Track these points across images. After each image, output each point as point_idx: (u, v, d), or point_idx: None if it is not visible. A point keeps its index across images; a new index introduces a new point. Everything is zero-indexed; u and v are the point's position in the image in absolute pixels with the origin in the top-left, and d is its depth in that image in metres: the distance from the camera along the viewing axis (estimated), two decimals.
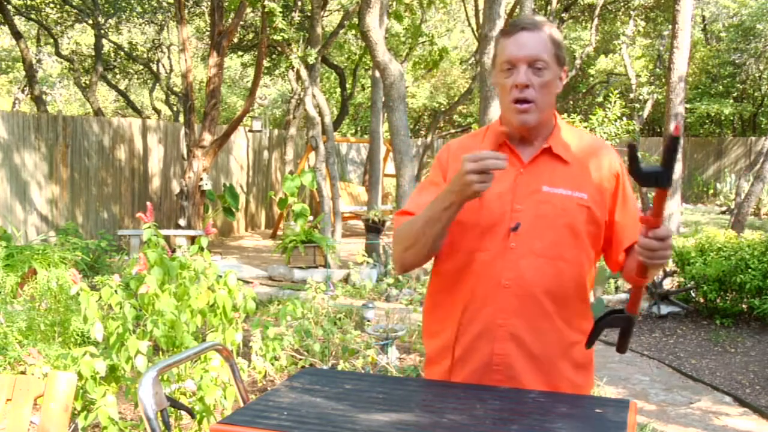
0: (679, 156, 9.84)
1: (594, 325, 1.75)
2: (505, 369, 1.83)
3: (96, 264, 7.97)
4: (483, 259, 1.83)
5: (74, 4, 15.70)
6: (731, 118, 22.56)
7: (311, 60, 10.81)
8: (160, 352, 3.84)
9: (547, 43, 1.83)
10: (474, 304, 1.85)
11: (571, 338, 1.86)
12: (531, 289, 1.81)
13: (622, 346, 1.79)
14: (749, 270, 6.53)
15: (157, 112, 21.91)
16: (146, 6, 16.10)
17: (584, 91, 21.01)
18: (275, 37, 10.32)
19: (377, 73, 10.41)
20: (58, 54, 17.15)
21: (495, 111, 7.13)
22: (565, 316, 1.85)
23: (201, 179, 10.61)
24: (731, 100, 20.66)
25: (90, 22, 15.59)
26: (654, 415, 4.55)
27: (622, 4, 17.40)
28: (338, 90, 19.67)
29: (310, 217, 11.00)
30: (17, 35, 13.62)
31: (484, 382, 1.84)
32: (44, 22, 16.06)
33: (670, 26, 12.28)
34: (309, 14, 13.05)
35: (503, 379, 1.83)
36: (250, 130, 14.64)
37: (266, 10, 9.78)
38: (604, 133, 10.06)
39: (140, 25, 17.82)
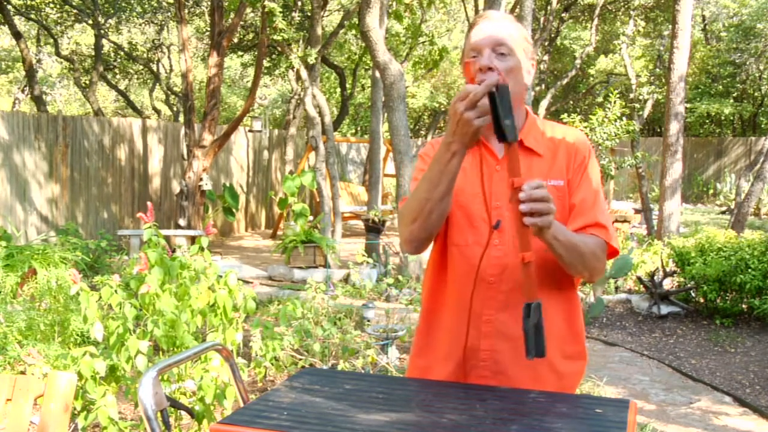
0: (679, 156, 9.82)
1: (524, 333, 1.61)
2: (492, 364, 1.85)
3: (96, 264, 7.98)
4: (468, 256, 1.85)
5: (74, 4, 15.69)
6: (731, 118, 22.57)
7: (311, 60, 10.80)
8: (161, 352, 3.84)
9: (511, 32, 1.85)
10: (461, 302, 1.87)
11: (560, 328, 1.87)
12: (516, 284, 1.81)
13: (535, 348, 1.60)
14: (749, 270, 6.53)
15: (157, 112, 21.90)
16: (146, 6, 16.10)
17: (584, 91, 20.99)
18: (275, 37, 10.31)
19: (377, 73, 10.40)
20: (58, 54, 17.15)
21: None
22: (554, 304, 1.85)
23: (201, 179, 10.60)
24: (731, 100, 20.67)
25: (90, 22, 15.59)
26: (654, 415, 4.55)
27: (622, 4, 17.39)
28: (338, 90, 19.67)
29: (310, 217, 10.99)
30: (17, 35, 13.62)
31: (470, 378, 1.86)
32: (44, 22, 16.06)
33: (670, 26, 12.27)
34: (309, 14, 13.04)
35: (489, 375, 1.84)
36: (250, 130, 14.63)
37: (266, 10, 9.78)
38: (604, 133, 10.04)
39: (140, 25, 17.82)
